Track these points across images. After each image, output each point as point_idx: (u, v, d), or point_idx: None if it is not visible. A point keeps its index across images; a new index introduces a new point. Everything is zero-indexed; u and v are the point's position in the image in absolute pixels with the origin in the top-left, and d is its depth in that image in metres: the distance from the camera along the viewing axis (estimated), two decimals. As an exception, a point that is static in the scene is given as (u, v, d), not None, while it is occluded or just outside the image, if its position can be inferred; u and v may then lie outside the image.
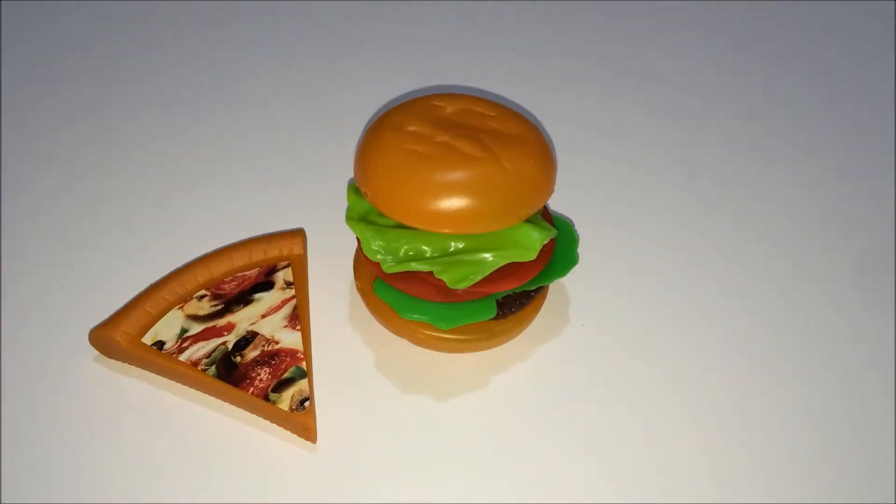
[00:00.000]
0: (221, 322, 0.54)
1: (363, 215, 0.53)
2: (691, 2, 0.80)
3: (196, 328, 0.53)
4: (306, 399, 0.51)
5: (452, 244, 0.50)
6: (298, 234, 0.58)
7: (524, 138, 0.51)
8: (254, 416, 0.52)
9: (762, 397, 0.53)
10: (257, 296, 0.55)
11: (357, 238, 0.53)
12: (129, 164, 0.65)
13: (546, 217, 0.55)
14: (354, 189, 0.54)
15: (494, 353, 0.55)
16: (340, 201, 0.63)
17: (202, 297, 0.55)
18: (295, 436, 0.51)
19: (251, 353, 0.53)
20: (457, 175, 0.48)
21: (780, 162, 0.67)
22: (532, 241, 0.50)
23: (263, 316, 0.54)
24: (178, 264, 0.59)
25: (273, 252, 0.57)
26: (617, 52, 0.75)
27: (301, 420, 0.50)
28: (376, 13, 0.78)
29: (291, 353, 0.53)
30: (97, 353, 0.54)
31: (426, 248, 0.50)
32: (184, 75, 0.71)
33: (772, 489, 0.50)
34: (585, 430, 0.52)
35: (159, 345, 0.53)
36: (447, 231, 0.49)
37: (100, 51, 0.74)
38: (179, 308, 0.54)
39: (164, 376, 0.53)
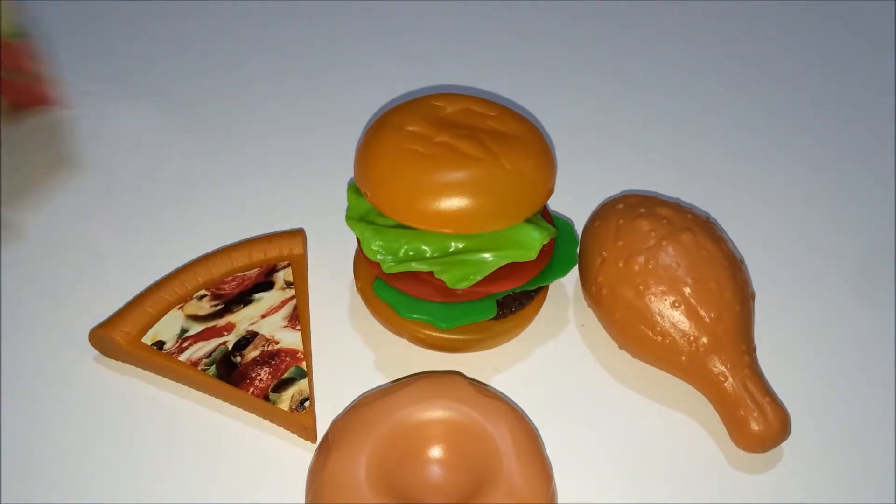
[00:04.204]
0: (221, 322, 0.54)
1: (363, 215, 0.53)
2: (692, 2, 0.80)
3: (196, 328, 0.54)
4: (306, 399, 0.51)
5: (452, 244, 0.50)
6: (298, 234, 0.58)
7: (524, 138, 0.51)
8: (254, 416, 0.52)
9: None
10: (257, 296, 0.55)
11: (357, 238, 0.53)
12: (128, 163, 0.65)
13: (546, 217, 0.55)
14: (354, 189, 0.54)
15: (494, 353, 0.55)
16: (340, 201, 0.63)
17: (202, 297, 0.55)
18: (295, 436, 0.51)
19: (251, 353, 0.53)
20: (457, 175, 0.48)
21: (782, 164, 0.67)
22: (532, 241, 0.50)
23: (263, 316, 0.54)
24: (178, 264, 0.59)
25: (273, 252, 0.57)
26: (617, 52, 0.75)
27: (301, 420, 0.50)
28: (376, 13, 0.78)
29: (291, 353, 0.53)
30: (97, 353, 0.54)
31: (426, 248, 0.50)
32: (184, 75, 0.71)
33: (772, 489, 0.50)
34: (585, 430, 0.52)
35: (159, 345, 0.53)
36: (447, 231, 0.49)
37: (99, 50, 0.74)
38: (179, 308, 0.54)
39: (164, 376, 0.53)
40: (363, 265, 0.56)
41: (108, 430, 0.51)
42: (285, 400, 0.51)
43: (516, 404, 0.52)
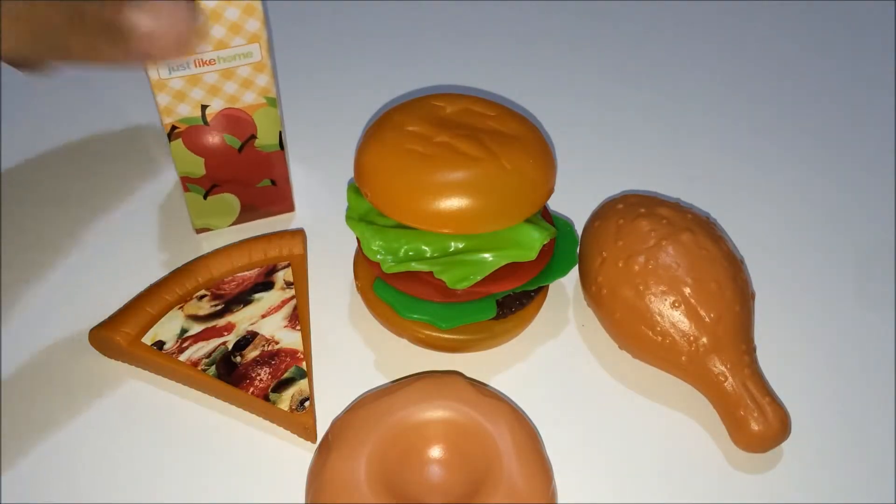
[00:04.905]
0: (221, 322, 0.54)
1: (363, 215, 0.53)
2: (692, 2, 0.80)
3: (196, 328, 0.54)
4: (306, 399, 0.51)
5: (452, 244, 0.50)
6: (298, 234, 0.58)
7: (524, 138, 0.51)
8: (254, 416, 0.52)
9: (762, 397, 0.53)
10: (257, 296, 0.55)
11: (357, 238, 0.53)
12: (129, 162, 0.65)
13: (546, 217, 0.55)
14: (354, 189, 0.54)
15: (494, 353, 0.55)
16: (340, 201, 0.63)
17: (202, 297, 0.55)
18: (295, 436, 0.51)
19: (251, 353, 0.53)
20: (457, 175, 0.48)
21: (782, 164, 0.67)
22: (532, 241, 0.50)
23: (263, 316, 0.54)
24: (178, 264, 0.59)
25: (273, 252, 0.57)
26: (617, 52, 0.76)
27: (301, 420, 0.50)
28: (377, 13, 0.78)
29: (291, 353, 0.53)
30: (97, 353, 0.54)
31: (426, 248, 0.50)
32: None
33: (772, 489, 0.50)
34: (585, 430, 0.52)
35: (159, 345, 0.53)
36: (447, 231, 0.49)
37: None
38: (179, 308, 0.54)
39: (164, 376, 0.53)
40: (363, 265, 0.56)
41: (109, 429, 0.51)
42: (285, 400, 0.51)
43: (516, 404, 0.52)
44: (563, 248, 0.55)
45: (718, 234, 0.53)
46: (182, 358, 0.52)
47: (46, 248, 0.60)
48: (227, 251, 0.57)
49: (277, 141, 0.57)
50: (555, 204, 0.63)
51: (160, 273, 0.59)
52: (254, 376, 0.52)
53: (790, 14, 0.80)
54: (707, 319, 0.50)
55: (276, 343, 0.53)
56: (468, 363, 0.55)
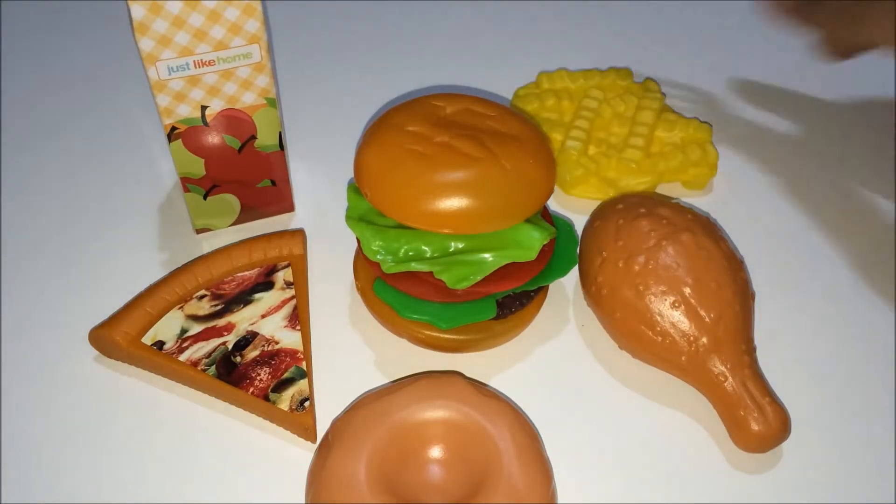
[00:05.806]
0: (221, 322, 0.54)
1: (363, 215, 0.53)
2: (691, 1, 0.80)
3: (196, 328, 0.54)
4: (306, 399, 0.51)
5: (452, 244, 0.50)
6: (298, 234, 0.58)
7: (524, 138, 0.51)
8: (254, 416, 0.52)
9: (762, 397, 0.53)
10: (257, 296, 0.55)
11: (357, 238, 0.53)
12: (129, 162, 0.65)
13: (546, 217, 0.55)
14: (354, 189, 0.54)
15: (494, 353, 0.55)
16: (340, 201, 0.63)
17: (202, 297, 0.55)
18: (295, 436, 0.51)
19: (251, 353, 0.53)
20: (457, 175, 0.49)
21: (782, 164, 0.67)
22: (532, 241, 0.50)
23: (263, 316, 0.54)
24: (178, 264, 0.59)
25: (273, 252, 0.57)
26: (617, 51, 0.76)
27: (301, 420, 0.50)
28: (377, 13, 0.78)
29: (291, 353, 0.53)
30: (97, 353, 0.54)
31: (426, 248, 0.50)
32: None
33: (772, 489, 0.50)
34: (585, 430, 0.52)
35: (159, 345, 0.53)
36: (447, 231, 0.49)
37: (93, 46, 0.74)
38: (179, 308, 0.54)
39: (164, 376, 0.53)
40: (363, 265, 0.56)
41: (109, 430, 0.51)
42: (285, 400, 0.51)
43: (516, 404, 0.52)
44: (563, 248, 0.55)
45: (718, 234, 0.53)
46: (182, 358, 0.52)
47: (46, 248, 0.60)
48: (227, 251, 0.57)
49: (277, 141, 0.57)
50: (555, 204, 0.63)
51: (160, 273, 0.59)
52: (254, 376, 0.52)
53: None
54: (707, 319, 0.50)
55: (276, 343, 0.53)
56: (468, 363, 0.55)
